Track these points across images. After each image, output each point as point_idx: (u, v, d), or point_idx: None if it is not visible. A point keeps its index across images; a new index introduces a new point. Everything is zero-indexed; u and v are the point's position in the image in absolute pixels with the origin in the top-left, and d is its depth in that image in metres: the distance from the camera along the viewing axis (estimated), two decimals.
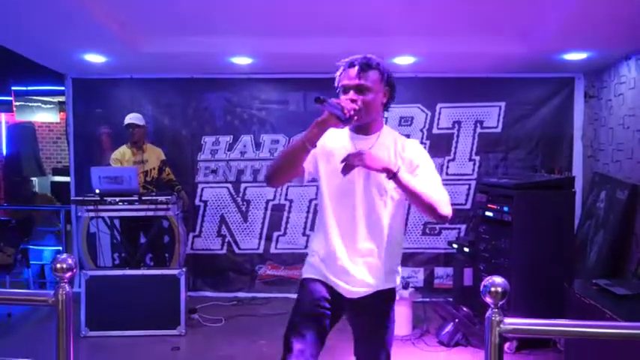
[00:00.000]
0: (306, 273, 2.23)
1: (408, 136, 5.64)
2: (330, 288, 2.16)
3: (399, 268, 2.29)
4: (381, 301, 2.20)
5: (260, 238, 5.71)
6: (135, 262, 4.87)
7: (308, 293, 2.16)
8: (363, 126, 2.15)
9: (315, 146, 2.01)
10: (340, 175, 2.05)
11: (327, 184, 2.15)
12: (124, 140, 5.22)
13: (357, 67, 2.09)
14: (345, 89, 2.09)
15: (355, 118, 2.00)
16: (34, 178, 8.48)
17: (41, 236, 6.49)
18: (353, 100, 2.03)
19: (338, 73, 2.15)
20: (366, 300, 2.17)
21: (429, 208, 2.02)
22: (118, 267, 5.37)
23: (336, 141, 2.17)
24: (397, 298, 2.29)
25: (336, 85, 2.16)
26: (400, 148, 2.16)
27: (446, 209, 2.04)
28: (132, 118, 5.11)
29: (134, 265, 4.81)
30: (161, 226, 5.17)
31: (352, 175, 2.07)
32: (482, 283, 1.46)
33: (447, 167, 5.60)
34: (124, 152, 5.16)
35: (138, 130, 5.09)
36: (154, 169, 5.19)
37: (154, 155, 5.23)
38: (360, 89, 2.07)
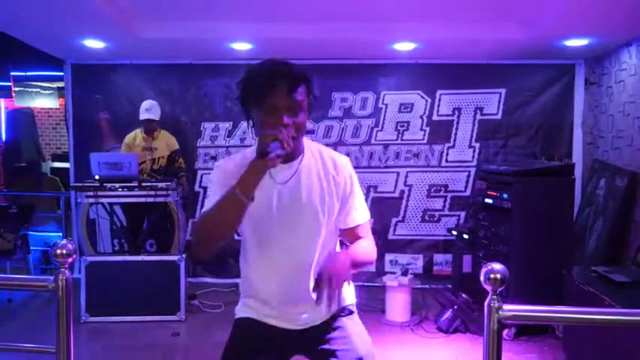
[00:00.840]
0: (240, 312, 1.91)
1: (406, 124, 5.70)
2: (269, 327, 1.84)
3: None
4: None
5: None
6: (135, 248, 4.88)
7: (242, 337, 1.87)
8: (288, 154, 1.66)
9: (253, 199, 1.59)
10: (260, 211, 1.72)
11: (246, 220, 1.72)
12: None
13: (287, 83, 1.63)
14: (272, 110, 1.62)
15: (291, 146, 1.60)
16: (42, 163, 8.46)
17: (42, 222, 6.49)
18: (286, 126, 1.60)
19: (253, 86, 1.66)
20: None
21: (367, 265, 1.90)
22: (118, 253, 5.39)
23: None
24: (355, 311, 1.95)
25: (248, 102, 1.69)
26: (331, 168, 1.79)
27: (375, 254, 1.86)
28: (148, 111, 5.08)
29: (134, 251, 4.82)
30: (164, 211, 5.16)
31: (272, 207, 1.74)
32: (482, 269, 1.46)
33: (447, 154, 5.60)
34: (135, 136, 5.18)
35: (151, 124, 5.11)
36: (163, 157, 5.18)
37: (164, 144, 5.21)
38: (292, 109, 1.63)
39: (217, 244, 1.67)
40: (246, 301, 1.88)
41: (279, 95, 1.61)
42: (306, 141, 1.81)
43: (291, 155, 1.71)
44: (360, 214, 1.84)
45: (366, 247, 1.83)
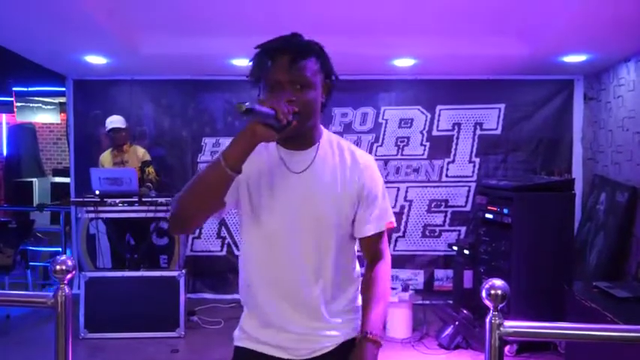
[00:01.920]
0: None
1: (406, 139, 5.71)
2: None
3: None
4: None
5: None
6: (133, 264, 4.87)
7: None
8: (299, 136, 1.51)
9: (241, 171, 1.39)
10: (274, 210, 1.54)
11: (253, 221, 1.57)
12: (110, 145, 5.23)
13: (290, 55, 1.45)
14: (275, 86, 1.46)
15: (294, 124, 1.40)
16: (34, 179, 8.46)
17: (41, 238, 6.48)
18: (290, 101, 1.42)
19: (257, 62, 1.50)
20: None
21: None
22: (117, 269, 5.37)
23: (260, 159, 1.54)
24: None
25: (254, 78, 1.53)
26: (351, 163, 1.59)
27: (389, 284, 1.69)
28: (113, 122, 5.11)
29: (133, 267, 4.80)
30: (159, 227, 5.14)
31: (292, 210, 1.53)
32: (482, 285, 1.45)
33: (447, 169, 5.61)
34: (106, 155, 5.22)
35: (120, 133, 5.11)
36: (135, 169, 5.19)
37: (135, 156, 5.22)
38: (296, 85, 1.46)
39: (193, 220, 1.50)
40: (246, 323, 1.68)
41: (279, 68, 1.44)
42: (327, 131, 1.63)
43: (302, 140, 1.54)
44: (377, 223, 1.61)
45: (383, 294, 1.62)
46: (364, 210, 1.59)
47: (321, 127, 1.62)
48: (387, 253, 1.70)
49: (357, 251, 1.69)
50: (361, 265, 1.69)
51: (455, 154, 5.61)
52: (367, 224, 1.60)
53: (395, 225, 1.67)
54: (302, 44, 1.49)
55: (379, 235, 1.64)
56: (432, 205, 5.63)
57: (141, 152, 5.27)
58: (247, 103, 1.30)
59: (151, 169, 5.26)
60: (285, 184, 1.54)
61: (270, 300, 1.57)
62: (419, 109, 5.61)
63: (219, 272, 5.70)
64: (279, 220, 1.54)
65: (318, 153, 1.56)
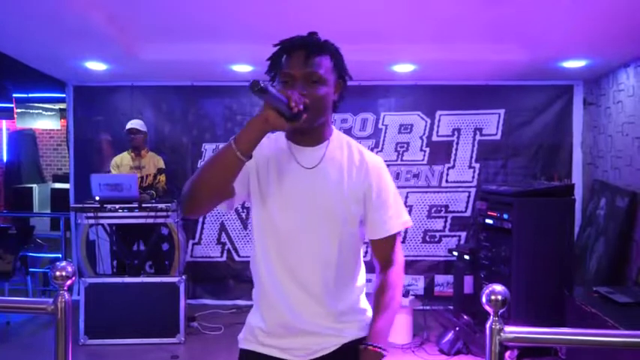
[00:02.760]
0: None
1: (406, 145, 5.73)
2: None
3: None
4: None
5: None
6: (134, 270, 4.86)
7: None
8: (309, 132, 1.55)
9: (251, 156, 1.42)
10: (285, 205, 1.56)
11: (265, 215, 1.58)
12: (124, 147, 5.25)
13: (304, 51, 1.50)
14: (288, 80, 1.50)
15: (304, 116, 1.41)
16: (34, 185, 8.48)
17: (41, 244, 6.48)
18: (302, 94, 1.44)
19: (273, 58, 1.55)
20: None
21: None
22: (117, 274, 5.37)
23: (270, 152, 1.59)
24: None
25: (270, 74, 1.56)
26: (359, 162, 1.61)
27: (401, 291, 1.69)
28: (133, 123, 5.16)
29: (133, 273, 4.80)
30: (160, 233, 5.17)
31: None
32: (483, 291, 1.45)
33: (447, 175, 5.61)
34: (122, 157, 5.23)
35: (138, 135, 5.12)
36: (150, 175, 5.22)
37: (152, 162, 5.26)
38: (309, 80, 1.49)
39: (203, 202, 1.48)
40: (251, 326, 1.65)
41: (294, 63, 1.49)
42: (337, 131, 1.66)
43: (312, 136, 1.57)
44: (391, 225, 1.62)
45: (390, 302, 1.62)
46: (375, 211, 1.60)
47: (332, 126, 1.64)
48: (400, 257, 1.69)
49: (366, 257, 1.70)
50: (371, 272, 1.67)
51: (455, 160, 5.61)
52: (382, 225, 1.62)
53: (412, 224, 1.67)
54: (318, 42, 1.53)
55: (392, 237, 1.65)
56: (432, 211, 5.63)
57: (158, 159, 5.30)
58: (262, 82, 1.29)
59: (162, 177, 5.28)
60: (295, 179, 1.56)
61: (281, 293, 1.57)
62: (419, 115, 5.62)
63: (220, 278, 5.70)
64: (290, 215, 1.55)
65: (328, 150, 1.58)
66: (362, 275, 1.69)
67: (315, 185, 1.55)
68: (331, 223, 1.56)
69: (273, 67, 1.54)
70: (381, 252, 1.67)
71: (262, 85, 1.28)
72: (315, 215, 1.55)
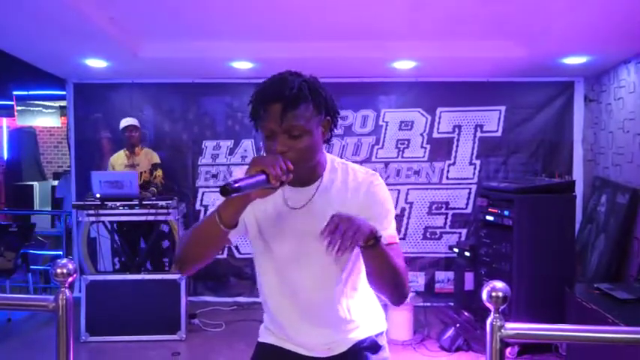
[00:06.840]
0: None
1: (407, 142, 5.72)
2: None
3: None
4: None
5: None
6: (135, 267, 4.87)
7: None
8: (300, 177, 1.51)
9: (235, 226, 1.45)
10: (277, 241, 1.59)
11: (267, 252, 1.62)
12: (125, 145, 5.26)
13: (280, 104, 1.42)
14: (270, 135, 1.45)
15: (290, 177, 1.39)
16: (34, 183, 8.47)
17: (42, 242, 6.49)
18: (283, 152, 1.41)
19: (252, 109, 1.49)
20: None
21: (396, 287, 1.55)
22: (119, 272, 5.37)
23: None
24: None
25: (253, 122, 1.52)
26: (353, 184, 1.60)
27: (407, 289, 1.59)
28: (129, 120, 5.18)
29: (134, 270, 4.80)
30: (160, 230, 5.17)
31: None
32: (483, 287, 1.45)
33: (448, 171, 5.61)
34: (117, 156, 5.26)
35: (135, 133, 5.13)
36: (145, 172, 5.23)
37: (146, 159, 5.27)
38: (290, 134, 1.43)
39: (198, 263, 1.55)
40: (268, 325, 1.74)
41: (271, 118, 1.43)
42: (331, 158, 1.62)
43: (303, 179, 1.55)
44: (390, 239, 1.59)
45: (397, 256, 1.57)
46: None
47: (326, 155, 1.62)
48: (400, 262, 1.62)
49: None
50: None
51: (455, 157, 5.61)
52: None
53: (397, 242, 1.65)
54: (292, 92, 1.43)
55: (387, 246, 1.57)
56: (433, 208, 5.63)
57: (152, 155, 5.32)
58: (233, 182, 1.24)
59: (159, 172, 5.29)
60: (285, 219, 1.58)
61: (290, 322, 1.65)
62: (419, 112, 5.62)
63: (221, 275, 5.70)
64: (285, 252, 1.59)
65: (319, 188, 1.58)
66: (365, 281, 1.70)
67: (304, 224, 1.55)
68: (327, 258, 1.49)
69: (253, 118, 1.50)
70: None
71: (233, 187, 1.24)
72: (309, 253, 1.56)
